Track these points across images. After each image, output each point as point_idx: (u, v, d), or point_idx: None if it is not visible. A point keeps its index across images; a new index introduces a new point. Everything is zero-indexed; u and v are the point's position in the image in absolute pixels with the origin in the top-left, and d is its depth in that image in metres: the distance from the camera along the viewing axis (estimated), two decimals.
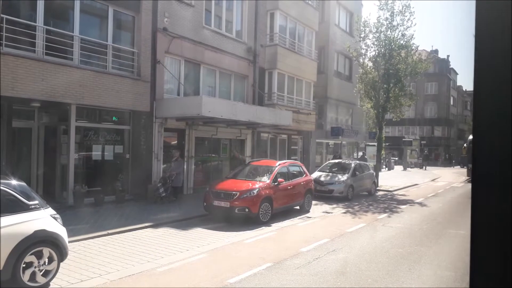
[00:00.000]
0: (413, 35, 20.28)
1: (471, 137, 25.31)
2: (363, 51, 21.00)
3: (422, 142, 50.95)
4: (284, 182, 11.65)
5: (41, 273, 5.51)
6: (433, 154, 53.49)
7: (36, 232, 5.41)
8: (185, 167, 14.39)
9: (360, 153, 29.72)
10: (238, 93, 17.84)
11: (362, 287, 6.06)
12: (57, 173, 11.94)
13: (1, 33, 9.46)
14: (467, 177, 26.14)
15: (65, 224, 6.18)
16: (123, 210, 11.28)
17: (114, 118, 13.00)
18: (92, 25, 12.40)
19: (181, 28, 14.53)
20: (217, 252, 7.87)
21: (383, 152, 24.85)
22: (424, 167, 40.44)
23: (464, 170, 31.77)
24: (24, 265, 5.30)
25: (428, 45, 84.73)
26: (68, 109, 11.30)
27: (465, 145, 29.12)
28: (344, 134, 26.04)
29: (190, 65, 15.45)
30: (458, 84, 65.34)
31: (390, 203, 15.55)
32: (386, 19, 19.93)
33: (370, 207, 14.49)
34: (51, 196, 11.33)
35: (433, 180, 27.00)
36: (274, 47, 18.92)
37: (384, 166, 34.50)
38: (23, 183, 5.89)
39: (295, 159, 20.05)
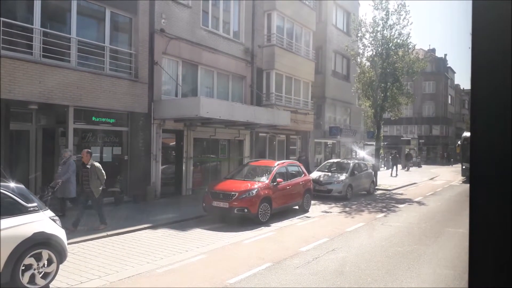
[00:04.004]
0: (409, 34, 20.35)
1: (464, 134, 24.94)
2: (361, 51, 21.03)
3: (421, 141, 50.99)
4: (283, 182, 11.65)
5: (41, 275, 5.50)
6: (431, 153, 53.53)
7: (35, 234, 5.41)
8: (74, 169, 10.09)
9: (364, 153, 27.06)
10: (236, 93, 17.83)
11: (361, 286, 6.07)
12: (55, 175, 11.88)
13: None
14: (462, 177, 25.99)
15: (64, 226, 6.18)
16: (121, 211, 11.28)
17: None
18: (89, 27, 12.39)
19: (179, 29, 14.53)
20: (216, 252, 7.87)
21: (381, 151, 24.66)
22: (407, 167, 34.71)
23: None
24: (23, 268, 5.29)
25: (425, 44, 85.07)
26: (65, 111, 11.28)
27: (459, 142, 28.45)
28: (343, 133, 26.06)
29: (187, 66, 15.44)
30: (455, 82, 65.55)
31: (389, 202, 15.56)
32: (382, 18, 19.96)
33: (369, 206, 14.51)
34: None
35: (431, 178, 27.03)
36: (272, 48, 18.93)
37: (383, 165, 34.41)
38: (22, 186, 5.89)
39: (294, 159, 20.04)
